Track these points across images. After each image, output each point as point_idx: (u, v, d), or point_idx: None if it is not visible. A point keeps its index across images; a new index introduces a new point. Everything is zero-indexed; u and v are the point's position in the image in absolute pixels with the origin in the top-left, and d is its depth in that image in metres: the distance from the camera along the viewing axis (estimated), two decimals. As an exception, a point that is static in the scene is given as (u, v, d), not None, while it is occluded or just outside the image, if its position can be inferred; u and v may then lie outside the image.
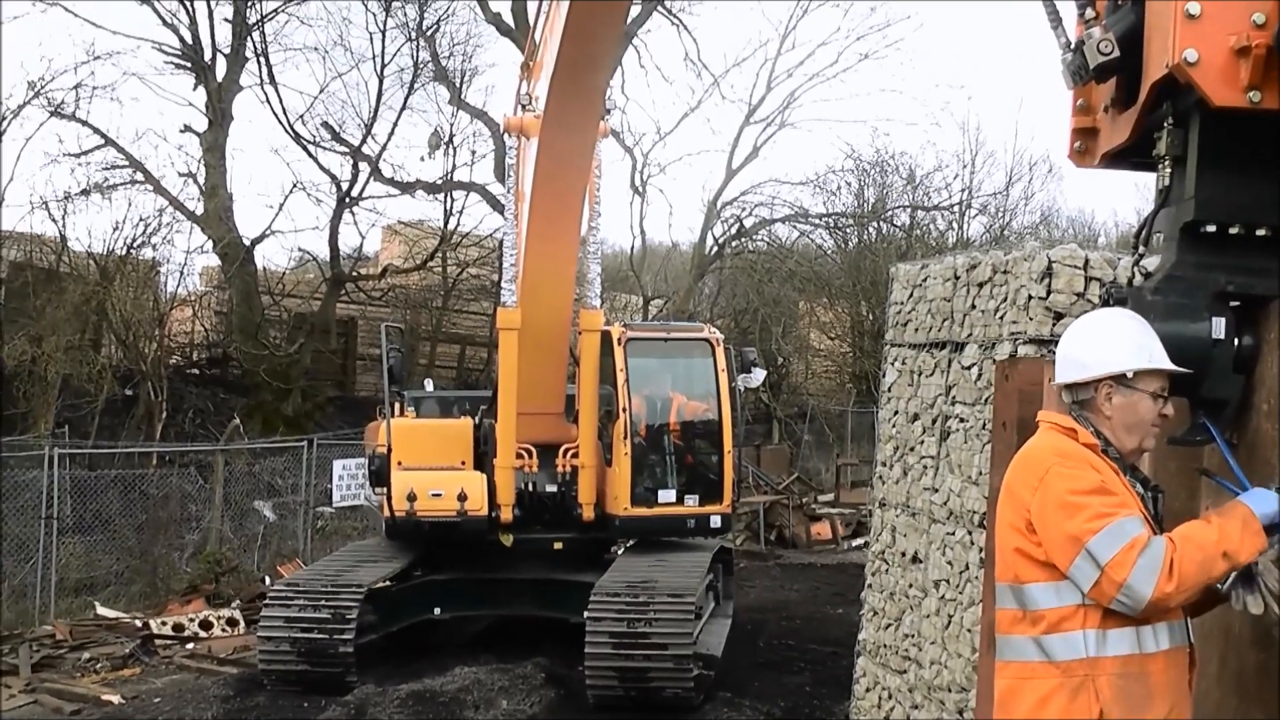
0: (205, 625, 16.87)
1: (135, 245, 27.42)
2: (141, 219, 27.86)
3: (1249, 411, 4.36)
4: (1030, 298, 7.23)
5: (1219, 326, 4.24)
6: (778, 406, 35.39)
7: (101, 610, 17.68)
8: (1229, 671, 4.58)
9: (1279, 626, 4.18)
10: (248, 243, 29.93)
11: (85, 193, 27.59)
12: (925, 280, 8.91)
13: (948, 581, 8.05)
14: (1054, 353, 6.97)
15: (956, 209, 38.35)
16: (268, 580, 18.64)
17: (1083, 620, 4.10)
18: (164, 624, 16.71)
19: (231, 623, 17.13)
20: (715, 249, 36.92)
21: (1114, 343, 4.21)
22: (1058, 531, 4.08)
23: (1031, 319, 7.21)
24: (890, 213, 38.22)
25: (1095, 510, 4.03)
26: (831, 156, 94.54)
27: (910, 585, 8.75)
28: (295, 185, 31.77)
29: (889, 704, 9.07)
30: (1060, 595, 4.13)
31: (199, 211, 29.38)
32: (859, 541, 24.11)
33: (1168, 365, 4.18)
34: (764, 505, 26.25)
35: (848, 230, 38.53)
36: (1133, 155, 4.49)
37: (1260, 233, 4.20)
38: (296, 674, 13.25)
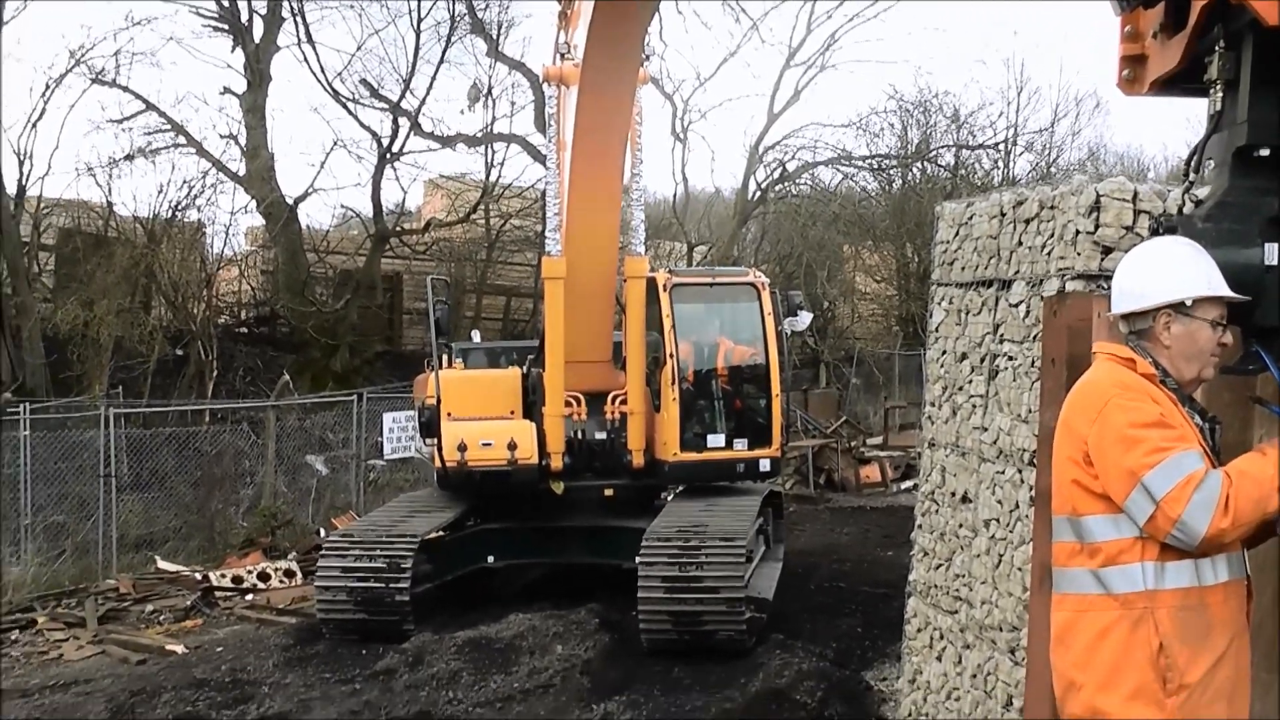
0: (263, 577, 17.08)
1: (180, 208, 27.70)
2: (185, 182, 28.11)
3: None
4: (1078, 233, 7.16)
5: (1272, 252, 4.17)
6: (825, 351, 35.32)
7: (162, 564, 17.93)
8: (1284, 601, 4.60)
9: None
10: (291, 202, 30.11)
11: (129, 158, 27.91)
12: (971, 218, 8.85)
13: (998, 520, 8.03)
14: (1103, 288, 6.96)
15: (1002, 147, 38.05)
16: (323, 532, 18.82)
17: (1141, 553, 4.09)
18: (223, 577, 16.93)
19: (289, 574, 17.33)
20: (758, 194, 36.76)
21: (1172, 271, 4.17)
22: (1115, 465, 4.06)
23: (1079, 254, 7.14)
24: (934, 153, 38.00)
25: (1153, 444, 4.01)
26: (874, 98, 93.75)
27: (960, 525, 8.74)
28: (336, 143, 32.04)
29: (940, 644, 9.07)
30: (1118, 528, 4.11)
31: (241, 172, 29.58)
32: (908, 484, 24.12)
33: (1227, 292, 4.14)
34: (813, 449, 26.23)
35: (892, 172, 38.31)
36: (1183, 81, 4.42)
37: (1315, 158, 4.14)
38: (354, 623, 13.38)
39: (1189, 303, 4.16)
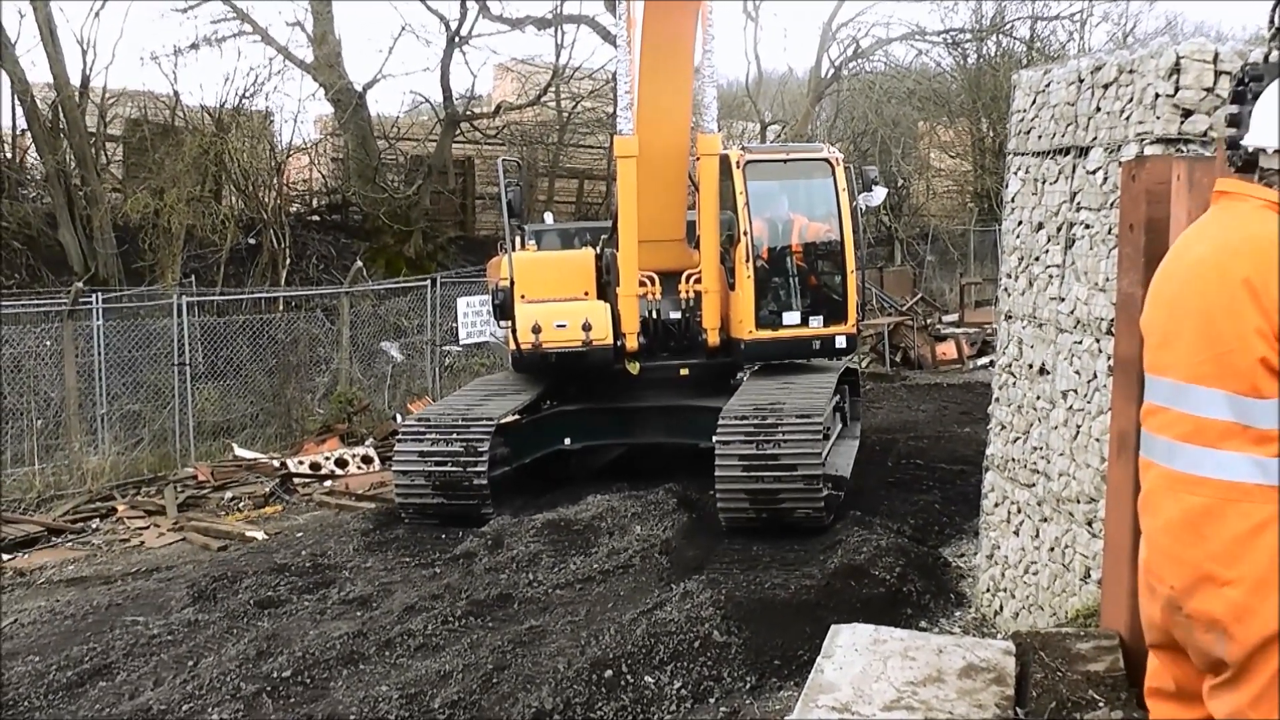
0: (341, 463, 17.24)
1: (247, 96, 27.62)
2: (252, 70, 28.06)
3: None
4: (1157, 96, 6.99)
5: (1363, 100, 3.99)
6: (899, 228, 35.13)
7: (240, 452, 18.14)
8: None
9: None
10: (360, 88, 29.98)
11: (194, 46, 27.89)
12: (1048, 86, 8.67)
13: (1075, 391, 7.94)
14: (1182, 150, 6.78)
15: (1078, 18, 37.41)
16: (399, 418, 18.93)
17: None
18: (301, 463, 17.13)
19: (366, 460, 17.49)
20: (832, 72, 36.40)
21: None
22: None
23: (1158, 118, 6.98)
24: (1009, 25, 37.40)
25: None
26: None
27: (1038, 397, 8.66)
28: (404, 28, 31.80)
29: (1018, 518, 9.03)
30: None
31: (308, 60, 29.45)
32: (984, 361, 24.01)
33: None
34: (888, 327, 26.17)
35: (966, 46, 37.80)
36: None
37: None
38: (433, 507, 13.48)
39: None
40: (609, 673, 8.55)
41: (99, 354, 17.85)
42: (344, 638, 9.59)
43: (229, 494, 16.31)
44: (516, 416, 14.66)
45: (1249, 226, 3.87)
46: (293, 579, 11.64)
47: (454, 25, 31.37)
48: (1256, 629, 3.75)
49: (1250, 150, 3.95)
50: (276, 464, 17.25)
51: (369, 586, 11.28)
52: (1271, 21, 4.35)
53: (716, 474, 12.36)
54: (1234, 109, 4.14)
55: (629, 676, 8.58)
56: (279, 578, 11.66)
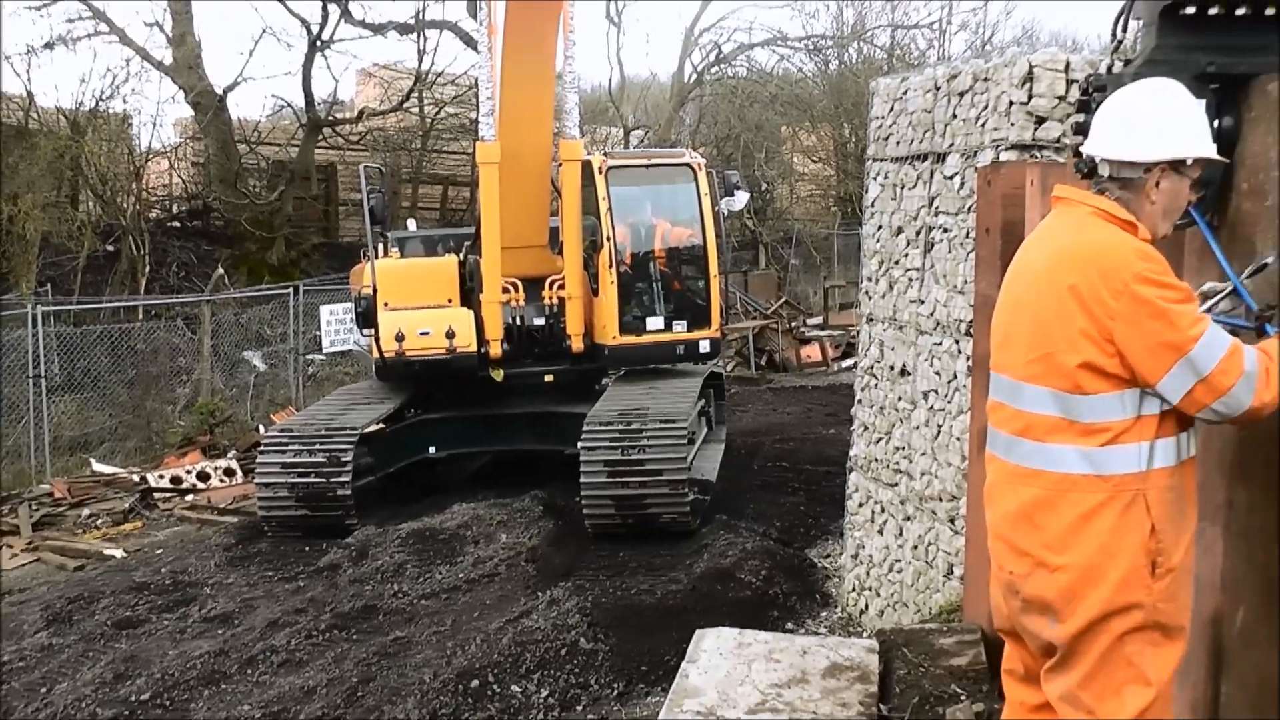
0: (203, 476, 16.97)
1: (104, 98, 27.03)
2: (109, 70, 27.41)
3: (1229, 192, 4.27)
4: (1011, 104, 7.17)
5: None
6: (764, 232, 35.39)
7: (98, 467, 17.77)
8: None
9: None
10: (220, 91, 29.52)
11: (49, 46, 27.15)
12: (906, 93, 8.83)
13: (936, 392, 8.08)
14: (1036, 156, 6.91)
15: (937, 26, 38.01)
16: (262, 429, 18.68)
17: (1139, 433, 3.89)
18: (161, 477, 16.82)
19: (229, 473, 17.24)
20: (694, 77, 36.57)
21: (1185, 122, 3.96)
22: (1154, 341, 3.80)
23: (1013, 125, 7.14)
24: (870, 33, 37.88)
25: (1191, 316, 3.80)
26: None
27: (899, 398, 8.79)
28: (264, 30, 31.28)
29: (882, 518, 9.15)
30: (1124, 407, 3.90)
31: (167, 61, 28.91)
32: (849, 363, 24.24)
33: (1219, 157, 4.01)
34: (753, 330, 26.34)
35: (828, 53, 38.22)
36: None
37: (1240, 11, 4.08)
38: (296, 519, 13.34)
39: (1190, 161, 3.97)
40: (475, 683, 8.53)
41: (-53, 368, 17.41)
42: (205, 657, 9.45)
43: (87, 511, 15.92)
44: (380, 425, 14.54)
45: (1081, 233, 4.04)
46: (152, 598, 11.44)
47: (315, 29, 30.95)
48: (1083, 612, 3.96)
49: (1085, 157, 4.10)
50: (136, 479, 16.92)
51: (231, 603, 11.13)
52: (1114, 34, 4.46)
53: (582, 480, 12.42)
54: (1080, 117, 4.32)
55: (496, 686, 8.56)
56: (138, 597, 11.46)
